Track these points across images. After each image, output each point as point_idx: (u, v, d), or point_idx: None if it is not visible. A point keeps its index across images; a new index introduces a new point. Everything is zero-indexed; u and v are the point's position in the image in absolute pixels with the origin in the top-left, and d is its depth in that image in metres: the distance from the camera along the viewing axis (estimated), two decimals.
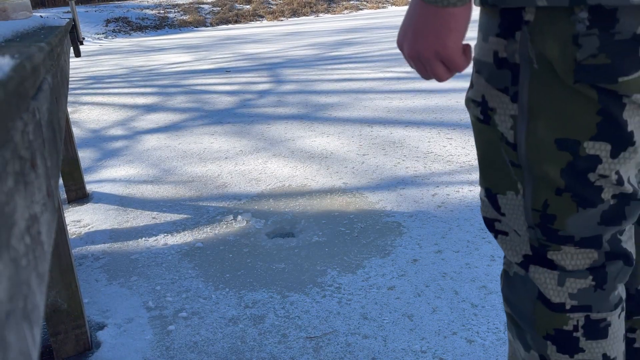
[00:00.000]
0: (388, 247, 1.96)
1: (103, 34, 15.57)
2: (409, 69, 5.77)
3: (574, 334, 0.75)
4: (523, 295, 0.78)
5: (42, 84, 0.51)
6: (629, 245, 0.75)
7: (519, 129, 0.69)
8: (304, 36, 11.11)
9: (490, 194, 0.77)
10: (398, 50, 7.35)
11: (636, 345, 0.90)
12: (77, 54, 3.26)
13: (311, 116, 4.07)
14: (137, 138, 3.87)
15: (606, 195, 0.69)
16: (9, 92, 0.29)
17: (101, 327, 1.62)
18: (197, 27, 17.03)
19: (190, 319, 1.62)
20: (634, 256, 0.76)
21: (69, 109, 5.03)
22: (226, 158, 3.20)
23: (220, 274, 1.86)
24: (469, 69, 5.16)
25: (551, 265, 0.74)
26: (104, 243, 2.18)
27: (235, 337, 1.51)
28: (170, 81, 6.37)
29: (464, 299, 1.61)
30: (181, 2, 19.29)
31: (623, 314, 0.77)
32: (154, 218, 2.39)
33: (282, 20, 17.95)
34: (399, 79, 5.29)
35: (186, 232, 2.22)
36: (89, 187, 2.87)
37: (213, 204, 2.49)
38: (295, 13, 18.68)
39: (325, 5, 19.43)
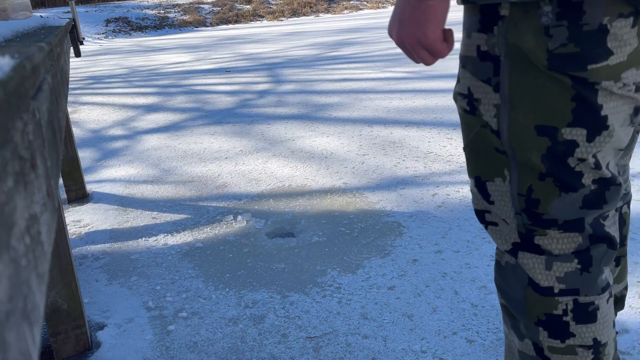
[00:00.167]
0: (388, 247, 1.96)
1: (103, 34, 15.57)
2: (409, 68, 5.78)
3: (564, 318, 0.78)
4: (514, 282, 0.81)
5: (42, 84, 0.51)
6: (612, 229, 0.78)
7: (501, 117, 0.74)
8: (304, 36, 11.11)
9: (479, 182, 0.81)
10: (398, 51, 7.35)
11: None
12: (77, 54, 3.26)
13: (311, 116, 4.08)
14: (137, 138, 3.87)
15: (587, 180, 0.72)
16: (9, 92, 0.29)
17: (101, 327, 1.62)
18: (197, 27, 17.03)
19: (190, 319, 1.62)
20: (618, 240, 0.79)
21: (69, 109, 5.03)
22: (226, 158, 3.20)
23: (220, 274, 1.86)
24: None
25: (538, 250, 0.78)
26: (104, 243, 2.18)
27: (235, 337, 1.51)
28: (171, 81, 6.38)
29: (464, 299, 1.60)
30: (181, 2, 19.29)
31: (612, 300, 0.80)
32: (154, 218, 2.39)
33: (282, 20, 17.95)
34: (399, 79, 5.29)
35: (186, 232, 2.22)
36: (89, 187, 2.87)
37: (213, 204, 2.49)
38: (295, 13, 18.68)
39: (325, 5, 19.43)
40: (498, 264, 0.86)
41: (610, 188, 0.74)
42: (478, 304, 1.57)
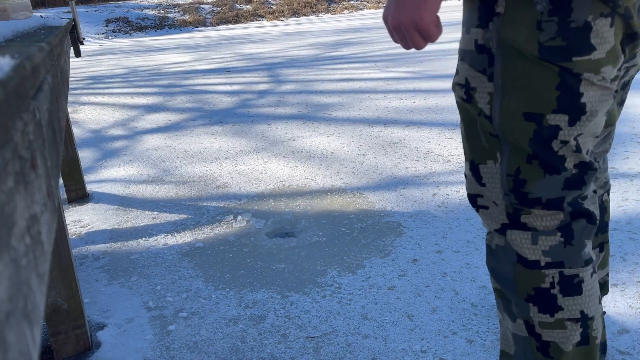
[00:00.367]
0: (388, 247, 1.95)
1: (103, 34, 15.57)
2: (409, 68, 5.78)
3: (552, 291, 0.84)
4: (504, 261, 0.88)
5: (42, 84, 0.51)
6: (592, 207, 0.85)
7: (494, 104, 0.82)
8: (304, 36, 11.11)
9: (473, 166, 0.89)
10: (398, 51, 7.35)
11: None
12: (77, 54, 3.26)
13: (311, 116, 4.08)
14: (137, 138, 3.87)
15: (569, 164, 0.81)
16: (9, 92, 0.29)
17: (101, 327, 1.62)
18: (197, 27, 17.03)
19: (191, 319, 1.62)
20: (597, 217, 0.86)
21: (69, 109, 5.03)
22: (226, 158, 3.20)
23: (220, 274, 1.86)
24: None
25: (525, 227, 0.85)
26: (104, 243, 2.19)
27: (235, 337, 1.51)
28: (171, 81, 6.38)
29: (464, 299, 1.60)
30: (181, 2, 19.29)
31: (596, 276, 0.86)
32: (154, 218, 2.39)
33: (282, 20, 17.95)
34: (399, 79, 5.29)
35: (186, 232, 2.22)
36: (89, 187, 2.87)
37: (213, 204, 2.49)
38: (295, 13, 18.68)
39: (325, 5, 19.43)
40: (489, 248, 0.92)
41: (588, 172, 0.82)
42: (478, 304, 1.57)
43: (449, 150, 2.99)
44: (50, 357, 1.50)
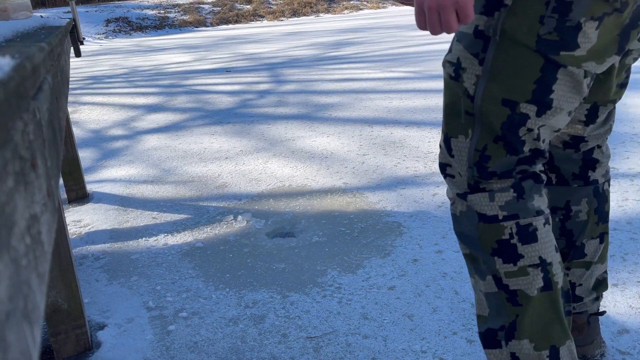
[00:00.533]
0: (388, 247, 1.96)
1: (103, 34, 15.57)
2: (409, 68, 5.78)
3: (511, 241, 0.94)
4: (468, 224, 0.98)
5: (42, 84, 0.51)
6: (537, 170, 0.97)
7: (479, 86, 0.91)
8: (304, 36, 11.11)
9: (447, 138, 0.98)
10: (398, 50, 7.35)
11: (568, 279, 1.16)
12: (78, 54, 3.26)
13: (311, 116, 4.08)
14: (138, 138, 3.87)
15: (526, 148, 0.93)
16: (9, 92, 0.29)
17: (101, 327, 1.62)
18: (197, 27, 17.03)
19: (191, 319, 1.62)
20: (544, 178, 0.98)
21: (69, 109, 5.03)
22: (226, 158, 3.20)
23: (220, 274, 1.86)
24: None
25: (483, 190, 0.96)
26: (104, 243, 2.19)
27: (235, 337, 1.51)
28: (171, 81, 6.38)
29: (464, 299, 1.60)
30: (181, 2, 19.29)
31: (549, 227, 0.96)
32: (154, 218, 2.39)
33: (282, 20, 17.95)
34: (399, 79, 5.29)
35: (186, 232, 2.22)
36: (89, 187, 2.87)
37: (213, 204, 2.49)
38: (295, 13, 18.68)
39: (325, 5, 19.43)
40: (454, 216, 1.02)
41: (539, 158, 0.94)
42: None
43: None
44: (50, 357, 1.50)
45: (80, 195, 2.71)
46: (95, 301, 1.77)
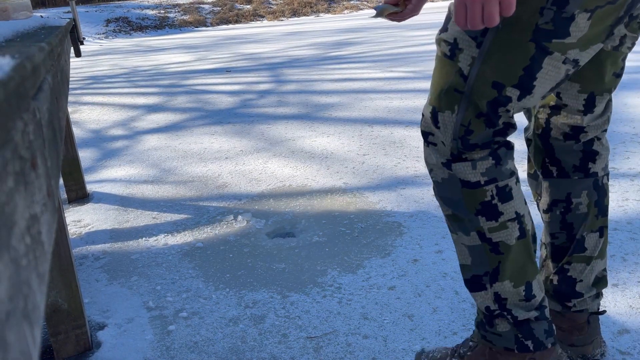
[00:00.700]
0: (388, 247, 1.95)
1: (103, 34, 15.57)
2: (410, 68, 5.78)
3: (492, 202, 1.05)
4: (452, 189, 1.07)
5: (42, 84, 0.51)
6: (508, 139, 1.03)
7: (474, 67, 0.97)
8: (304, 36, 11.11)
9: (434, 111, 1.05)
10: (398, 50, 7.35)
11: (569, 274, 1.24)
12: (78, 54, 3.26)
13: (312, 116, 4.08)
14: (138, 138, 3.87)
15: (501, 122, 1.01)
16: (10, 92, 0.29)
17: (101, 327, 1.62)
18: (197, 27, 17.03)
19: (191, 319, 1.62)
20: (513, 145, 1.07)
21: (69, 109, 5.03)
22: (226, 158, 3.20)
23: (220, 274, 1.86)
24: None
25: (465, 160, 1.04)
26: (104, 243, 2.19)
27: (235, 337, 1.51)
28: (171, 81, 6.38)
29: (464, 299, 1.60)
30: (181, 2, 19.29)
31: (519, 184, 1.09)
32: (154, 218, 2.39)
33: (282, 20, 17.95)
34: (399, 79, 5.29)
35: (186, 232, 2.22)
36: (89, 187, 2.87)
37: (213, 204, 2.49)
38: (295, 13, 18.69)
39: (325, 5, 19.43)
40: (436, 182, 1.10)
41: (509, 129, 1.03)
42: None
43: None
44: (50, 357, 1.50)
45: (80, 195, 2.71)
46: (95, 301, 1.77)
